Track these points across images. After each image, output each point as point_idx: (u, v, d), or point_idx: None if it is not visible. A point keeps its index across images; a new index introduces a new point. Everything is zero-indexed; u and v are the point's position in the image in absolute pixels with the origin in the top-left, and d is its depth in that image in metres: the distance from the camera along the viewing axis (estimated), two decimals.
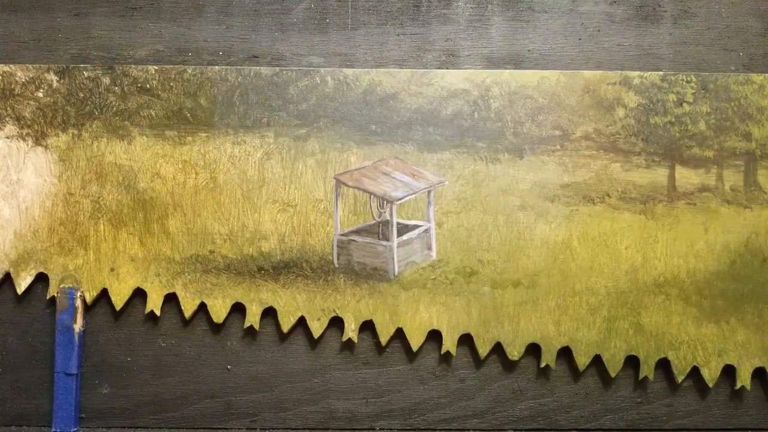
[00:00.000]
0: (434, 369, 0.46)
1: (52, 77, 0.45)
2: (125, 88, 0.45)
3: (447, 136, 0.45)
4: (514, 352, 0.44)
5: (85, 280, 0.45)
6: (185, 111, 0.45)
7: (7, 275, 0.45)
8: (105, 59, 0.47)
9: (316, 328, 0.45)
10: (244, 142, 0.45)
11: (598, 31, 0.47)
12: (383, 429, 0.45)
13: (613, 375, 0.44)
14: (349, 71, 0.45)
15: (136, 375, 0.46)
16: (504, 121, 0.45)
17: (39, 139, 0.45)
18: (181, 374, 0.46)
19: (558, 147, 0.45)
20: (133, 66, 0.46)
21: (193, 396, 0.46)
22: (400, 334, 0.45)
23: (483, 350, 0.45)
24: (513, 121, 0.45)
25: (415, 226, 0.45)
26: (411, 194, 0.44)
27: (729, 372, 0.44)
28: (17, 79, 0.45)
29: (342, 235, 0.45)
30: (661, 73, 0.45)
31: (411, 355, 0.45)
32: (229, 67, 0.46)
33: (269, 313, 0.45)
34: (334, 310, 0.45)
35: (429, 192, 0.45)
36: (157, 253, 0.45)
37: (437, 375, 0.46)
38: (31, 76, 0.45)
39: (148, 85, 0.45)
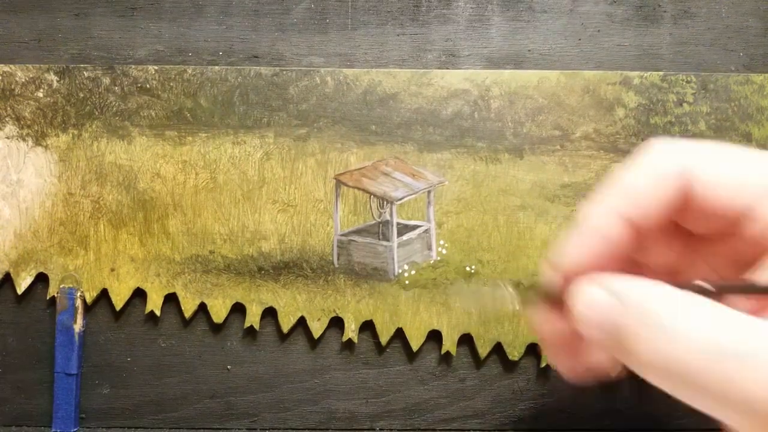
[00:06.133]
0: (434, 369, 0.46)
1: (52, 77, 0.45)
2: (125, 88, 0.45)
3: (447, 136, 0.45)
4: (514, 352, 0.44)
5: (85, 281, 0.45)
6: (185, 111, 0.45)
7: (7, 275, 0.45)
8: (105, 59, 0.47)
9: (316, 328, 0.45)
10: (244, 142, 0.45)
11: (598, 31, 0.47)
12: (383, 429, 0.45)
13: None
14: (349, 71, 0.45)
15: (136, 375, 0.46)
16: (504, 121, 0.45)
17: (39, 139, 0.45)
18: (181, 374, 0.46)
19: (558, 147, 0.45)
20: (133, 66, 0.45)
21: (193, 396, 0.46)
22: (400, 334, 0.45)
23: (483, 350, 0.45)
24: (513, 121, 0.45)
25: (415, 226, 0.45)
26: (411, 194, 0.44)
27: None
28: (17, 79, 0.45)
29: (342, 235, 0.45)
30: (661, 73, 0.45)
31: (411, 356, 0.45)
32: (229, 67, 0.46)
33: (269, 314, 0.45)
34: (334, 311, 0.45)
35: (429, 192, 0.45)
36: (157, 254, 0.45)
37: (437, 375, 0.46)
38: (31, 76, 0.45)
39: (148, 85, 0.45)
